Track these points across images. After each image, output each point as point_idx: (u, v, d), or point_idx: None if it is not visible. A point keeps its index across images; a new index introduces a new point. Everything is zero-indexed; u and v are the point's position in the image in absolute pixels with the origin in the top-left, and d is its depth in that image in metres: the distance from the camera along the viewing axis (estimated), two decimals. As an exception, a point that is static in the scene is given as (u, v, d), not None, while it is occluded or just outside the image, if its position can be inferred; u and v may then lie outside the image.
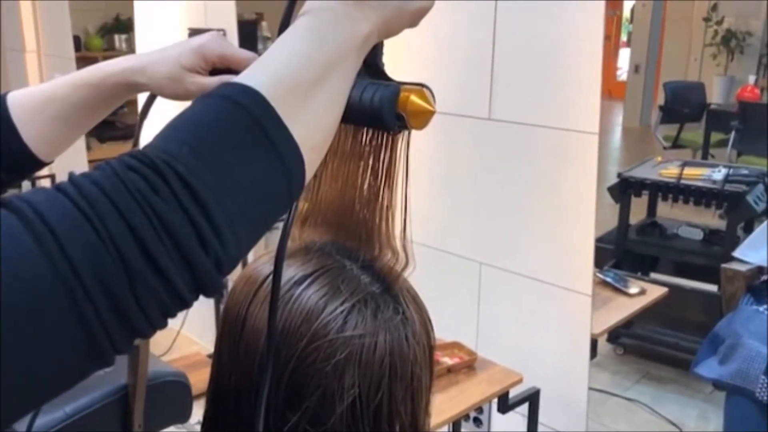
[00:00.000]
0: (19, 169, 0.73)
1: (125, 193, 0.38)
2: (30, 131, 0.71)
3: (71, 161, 3.50)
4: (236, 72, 0.70)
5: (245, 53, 0.71)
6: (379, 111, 0.54)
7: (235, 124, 0.42)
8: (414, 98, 0.54)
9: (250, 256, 0.57)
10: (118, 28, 4.28)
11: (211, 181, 0.39)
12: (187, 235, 0.38)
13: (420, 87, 0.56)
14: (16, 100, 0.72)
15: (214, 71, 0.72)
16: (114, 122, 3.93)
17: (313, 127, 0.46)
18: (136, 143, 0.74)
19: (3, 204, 0.37)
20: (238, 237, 0.41)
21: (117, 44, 4.35)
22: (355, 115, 0.56)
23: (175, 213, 0.38)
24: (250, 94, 0.43)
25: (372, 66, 0.59)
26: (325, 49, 0.48)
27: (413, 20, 0.56)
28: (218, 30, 2.71)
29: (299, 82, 0.46)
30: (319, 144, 0.47)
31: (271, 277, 0.57)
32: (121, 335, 0.38)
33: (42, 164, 0.74)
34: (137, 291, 0.37)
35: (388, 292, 0.57)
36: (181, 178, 0.39)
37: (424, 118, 0.55)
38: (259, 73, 0.45)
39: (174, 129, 0.42)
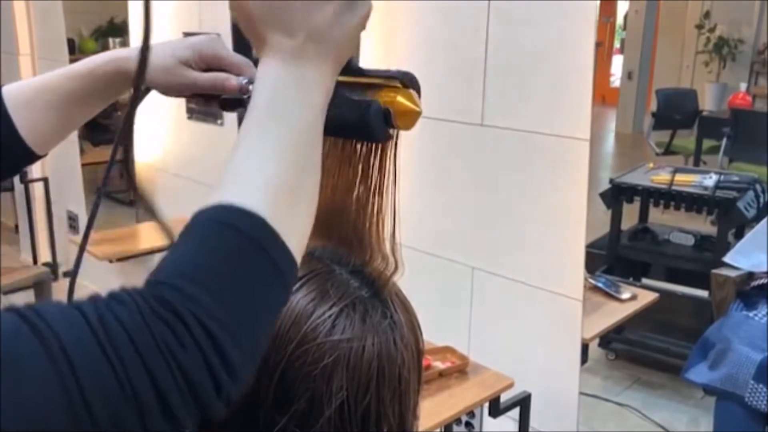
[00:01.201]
0: (13, 162, 0.73)
1: (151, 342, 0.39)
2: (23, 122, 0.71)
3: (64, 165, 3.50)
4: (225, 70, 0.71)
5: (239, 58, 0.72)
6: (368, 128, 0.55)
7: (249, 261, 0.43)
8: (400, 99, 0.55)
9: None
10: (113, 32, 4.28)
11: (233, 329, 0.41)
12: (206, 387, 0.40)
13: (406, 87, 0.56)
14: (9, 92, 0.72)
15: (206, 70, 0.73)
16: (107, 125, 3.92)
17: (304, 227, 0.49)
18: (127, 137, 0.74)
19: (21, 315, 0.39)
20: (250, 367, 0.43)
21: (111, 47, 4.35)
22: (342, 132, 0.57)
23: (198, 367, 0.40)
24: (257, 224, 0.44)
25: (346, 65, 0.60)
26: (296, 132, 0.49)
27: (360, 31, 0.54)
28: (213, 33, 2.72)
29: (288, 187, 0.47)
30: (307, 236, 0.50)
31: None
32: None
33: (36, 157, 0.74)
34: (147, 429, 0.39)
35: (377, 296, 0.58)
36: (207, 332, 0.40)
37: (411, 118, 0.55)
38: (252, 189, 0.46)
39: (191, 265, 0.42)
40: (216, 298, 0.41)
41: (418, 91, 0.57)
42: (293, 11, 0.49)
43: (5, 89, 0.72)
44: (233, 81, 0.71)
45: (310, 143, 0.49)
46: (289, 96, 0.49)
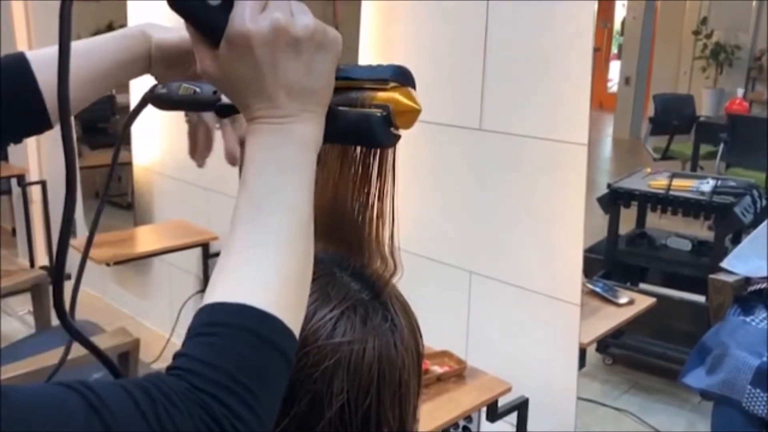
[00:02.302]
0: (25, 123, 0.71)
1: None
2: (46, 85, 0.69)
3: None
4: None
5: (185, 39, 0.71)
6: (373, 137, 0.55)
7: (273, 365, 0.46)
8: (399, 98, 0.54)
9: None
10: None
11: (259, 427, 0.45)
12: None
13: (405, 86, 0.55)
14: (36, 54, 0.70)
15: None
16: (106, 129, 3.92)
17: (304, 307, 0.50)
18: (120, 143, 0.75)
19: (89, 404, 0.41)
20: None
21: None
22: (347, 141, 0.57)
23: None
24: (278, 329, 0.46)
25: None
26: (296, 208, 0.50)
27: (334, 67, 0.54)
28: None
29: (296, 275, 0.49)
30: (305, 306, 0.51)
31: None
32: None
33: (46, 126, 0.72)
34: None
35: (377, 299, 0.58)
36: None
37: (410, 117, 0.55)
38: (266, 285, 0.47)
39: (229, 376, 0.44)
40: (250, 408, 0.44)
41: (413, 87, 0.57)
42: (265, 76, 0.50)
43: (31, 53, 0.71)
44: None
45: (307, 214, 0.51)
46: (281, 167, 0.50)
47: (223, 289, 0.47)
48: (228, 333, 0.46)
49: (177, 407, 0.42)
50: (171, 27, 0.73)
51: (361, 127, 0.55)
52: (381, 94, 0.55)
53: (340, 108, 0.55)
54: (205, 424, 0.42)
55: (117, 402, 0.41)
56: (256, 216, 0.49)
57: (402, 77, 0.56)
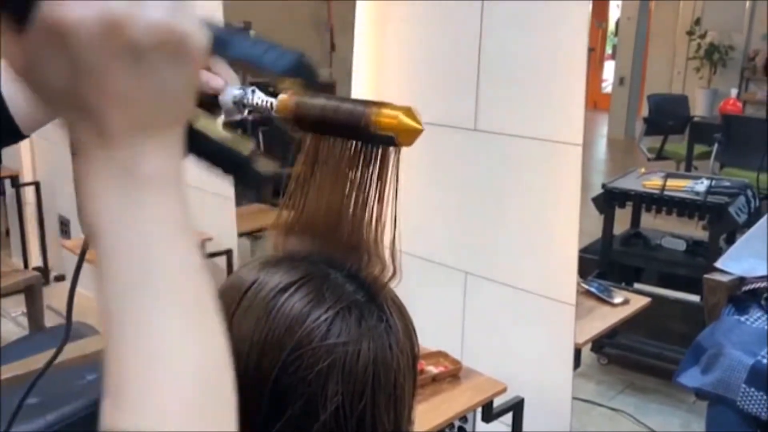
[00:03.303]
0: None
1: None
2: (13, 99, 0.67)
3: (55, 169, 3.48)
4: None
5: (218, 62, 0.67)
6: (238, 175, 0.49)
7: None
8: (404, 118, 0.54)
9: (236, 264, 0.57)
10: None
11: None
12: None
13: (407, 106, 0.54)
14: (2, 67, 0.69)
15: None
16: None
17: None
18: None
19: None
20: None
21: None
22: (333, 130, 0.55)
23: None
24: None
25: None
26: (168, 286, 0.37)
27: (195, 86, 0.40)
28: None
29: (192, 379, 0.37)
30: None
31: (254, 286, 0.57)
32: None
33: (20, 137, 0.70)
34: None
35: (373, 300, 0.58)
36: None
37: (412, 136, 0.55)
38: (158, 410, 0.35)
39: None
40: None
41: (314, 81, 0.50)
42: (86, 85, 0.35)
43: None
44: (218, 81, 0.61)
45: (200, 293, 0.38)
46: (143, 233, 0.36)
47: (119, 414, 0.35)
48: None
49: None
50: None
51: (227, 165, 0.48)
52: (386, 111, 0.53)
53: (202, 133, 0.46)
54: None
55: None
56: (132, 321, 0.36)
57: (302, 73, 0.48)
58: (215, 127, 0.47)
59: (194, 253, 0.38)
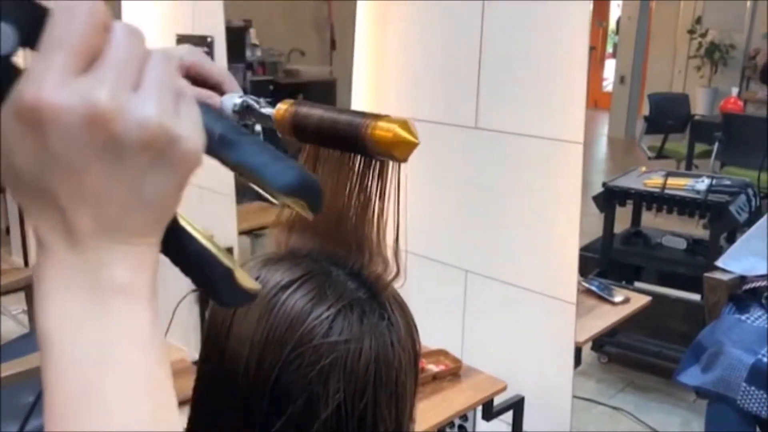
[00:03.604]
0: None
1: None
2: None
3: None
4: (208, 85, 0.61)
5: (220, 69, 0.64)
6: (212, 289, 0.43)
7: None
8: (399, 130, 0.54)
9: (239, 262, 0.57)
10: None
11: None
12: None
13: (403, 120, 0.54)
14: None
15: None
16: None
17: None
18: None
19: None
20: None
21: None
22: (330, 143, 0.55)
23: None
24: None
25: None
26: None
27: (181, 190, 0.35)
28: (206, 36, 2.71)
29: None
30: None
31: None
32: None
33: None
34: None
35: (375, 298, 0.57)
36: None
37: (407, 149, 0.55)
38: None
39: None
40: None
41: (315, 200, 0.43)
42: (58, 178, 0.31)
43: None
44: (216, 99, 0.62)
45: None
46: (96, 350, 0.32)
47: None
48: None
49: None
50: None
51: (202, 275, 0.42)
52: (381, 125, 0.53)
53: (188, 231, 0.40)
54: None
55: None
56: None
57: (304, 194, 0.42)
58: (199, 229, 0.41)
59: (156, 371, 0.34)
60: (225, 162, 0.40)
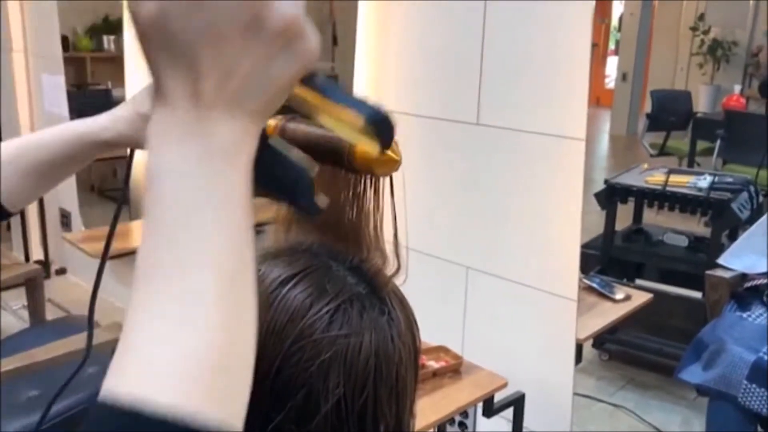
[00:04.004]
0: None
1: None
2: (3, 182, 0.71)
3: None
4: None
5: None
6: (294, 193, 0.50)
7: None
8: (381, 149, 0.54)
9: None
10: (107, 29, 4.27)
11: None
12: None
13: (377, 134, 0.52)
14: None
15: None
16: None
17: (245, 380, 0.37)
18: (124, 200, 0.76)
19: None
20: None
21: (105, 45, 4.33)
22: (318, 157, 0.56)
23: None
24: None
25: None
26: (213, 251, 0.36)
27: (293, 85, 0.40)
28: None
29: (213, 348, 0.35)
30: (249, 383, 0.38)
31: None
32: None
33: (7, 215, 0.75)
34: None
35: (375, 292, 0.57)
36: None
37: (389, 167, 0.55)
38: (161, 374, 0.34)
39: None
40: None
41: (389, 134, 0.47)
42: (201, 42, 0.35)
43: None
44: None
45: (239, 267, 0.37)
46: (199, 189, 0.36)
47: (121, 378, 0.34)
48: None
49: None
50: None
51: (285, 180, 0.48)
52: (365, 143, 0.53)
53: (276, 149, 0.47)
54: None
55: None
56: (163, 275, 0.35)
57: (374, 123, 0.46)
58: (285, 144, 0.48)
59: (244, 229, 0.38)
60: (315, 90, 0.45)
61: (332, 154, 0.55)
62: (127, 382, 0.33)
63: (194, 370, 0.34)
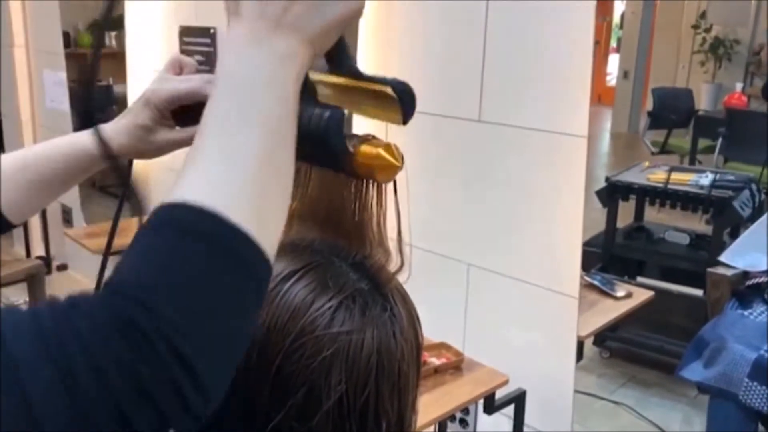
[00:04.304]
0: None
1: (111, 359, 0.36)
2: (4, 196, 0.71)
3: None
4: (199, 106, 0.67)
5: (194, 83, 0.70)
6: (324, 134, 0.53)
7: (215, 267, 0.40)
8: (383, 153, 0.54)
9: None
10: (109, 25, 4.26)
11: (200, 343, 0.38)
12: (172, 404, 0.37)
13: (397, 98, 0.55)
14: None
15: (179, 110, 0.71)
16: (103, 119, 3.90)
17: (277, 219, 0.46)
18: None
19: None
20: (223, 383, 0.41)
21: (107, 41, 4.33)
22: (317, 162, 0.57)
23: (162, 384, 0.37)
24: (219, 224, 0.40)
25: (337, 60, 0.58)
26: (261, 116, 0.45)
27: (341, 26, 0.50)
28: (210, 28, 2.70)
29: (252, 180, 0.44)
30: (280, 235, 0.47)
31: None
32: None
33: (9, 227, 0.74)
34: None
35: (377, 289, 0.57)
36: (172, 349, 0.37)
37: (390, 173, 0.55)
38: (209, 186, 0.42)
39: (154, 276, 0.39)
40: (183, 314, 0.38)
41: (413, 104, 0.56)
42: None
43: None
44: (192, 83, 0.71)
45: (282, 134, 0.46)
46: (257, 77, 0.46)
47: (176, 190, 0.42)
48: (152, 230, 0.41)
49: (83, 314, 0.37)
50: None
51: (317, 120, 0.53)
52: (364, 150, 0.54)
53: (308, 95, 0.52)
54: (114, 325, 0.36)
55: (8, 322, 0.37)
56: (225, 123, 0.45)
57: (401, 92, 0.55)
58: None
59: (286, 118, 0.47)
60: (349, 72, 0.56)
61: (332, 162, 0.56)
62: (182, 190, 0.42)
63: (242, 192, 0.42)
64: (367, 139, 0.55)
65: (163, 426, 0.37)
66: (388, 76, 0.56)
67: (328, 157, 0.55)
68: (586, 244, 2.69)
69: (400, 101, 0.54)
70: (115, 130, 0.73)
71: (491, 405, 1.86)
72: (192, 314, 0.38)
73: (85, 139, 0.73)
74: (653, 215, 3.61)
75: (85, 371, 0.35)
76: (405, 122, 0.56)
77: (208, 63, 2.28)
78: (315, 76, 0.58)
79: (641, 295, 2.36)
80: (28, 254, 3.62)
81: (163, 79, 0.72)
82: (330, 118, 0.53)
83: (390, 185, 0.58)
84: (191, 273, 0.39)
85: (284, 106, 0.46)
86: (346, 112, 0.54)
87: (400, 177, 0.58)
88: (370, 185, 0.58)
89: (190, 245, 0.40)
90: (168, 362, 0.37)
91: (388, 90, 0.54)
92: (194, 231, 0.40)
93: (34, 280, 2.90)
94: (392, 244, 0.59)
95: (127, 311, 0.37)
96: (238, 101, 0.45)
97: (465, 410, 2.17)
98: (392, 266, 0.59)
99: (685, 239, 3.23)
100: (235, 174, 0.43)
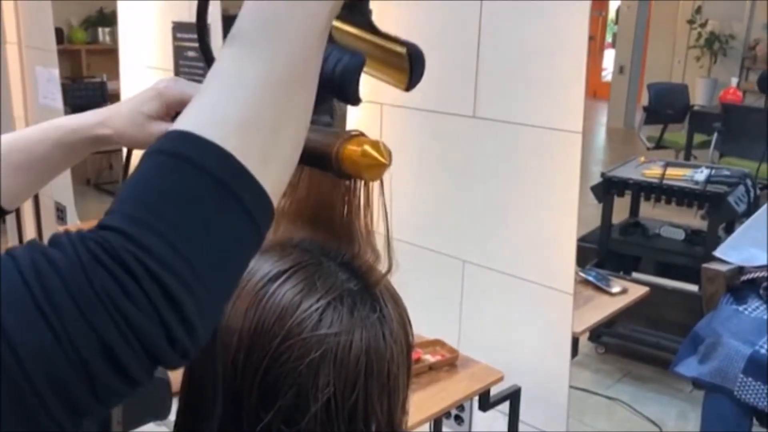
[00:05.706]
0: None
1: (91, 294, 0.35)
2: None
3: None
4: None
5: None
6: (338, 86, 0.52)
7: (206, 197, 0.38)
8: (369, 149, 0.53)
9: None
10: (102, 21, 4.24)
11: (184, 274, 0.37)
12: (157, 338, 0.36)
13: (374, 141, 0.54)
14: None
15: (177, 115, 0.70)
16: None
17: (284, 166, 0.43)
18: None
19: None
20: (211, 321, 0.39)
21: (101, 37, 4.31)
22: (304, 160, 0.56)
23: (146, 317, 0.36)
24: (213, 154, 0.39)
25: (356, 9, 0.57)
26: (287, 47, 0.43)
27: None
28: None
29: (264, 118, 0.42)
30: (288, 178, 0.45)
31: (245, 274, 0.56)
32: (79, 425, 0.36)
33: (4, 212, 0.74)
34: (98, 392, 0.35)
35: (366, 289, 0.56)
36: (154, 277, 0.36)
37: (376, 171, 0.54)
38: (217, 116, 0.41)
39: (137, 204, 0.38)
40: (167, 244, 0.36)
41: (422, 67, 0.56)
42: None
43: None
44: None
45: (305, 74, 0.44)
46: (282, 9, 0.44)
47: (188, 112, 0.41)
48: (143, 163, 0.39)
49: (60, 247, 0.36)
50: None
51: (334, 63, 0.51)
52: (349, 148, 0.53)
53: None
54: (88, 249, 0.35)
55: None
56: (243, 46, 0.43)
57: (414, 53, 0.56)
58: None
59: (317, 35, 0.45)
60: (365, 24, 0.55)
61: (319, 160, 0.54)
62: (189, 121, 0.40)
63: (244, 122, 0.40)
64: (355, 136, 0.54)
65: (149, 360, 0.36)
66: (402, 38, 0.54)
67: (336, 98, 0.54)
68: (582, 240, 2.69)
69: (411, 63, 0.54)
70: (109, 115, 0.72)
71: (486, 402, 1.86)
72: (177, 247, 0.37)
73: (78, 121, 0.72)
74: (648, 211, 3.62)
75: (67, 307, 0.34)
76: (410, 87, 0.54)
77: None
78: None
79: (636, 291, 2.36)
80: (23, 251, 3.60)
81: (177, 80, 0.71)
82: (350, 62, 0.51)
83: (377, 184, 0.57)
84: (178, 203, 0.37)
85: (317, 39, 0.44)
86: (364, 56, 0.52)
87: (395, 174, 0.57)
88: (359, 184, 0.57)
89: (180, 173, 0.38)
90: (149, 293, 0.35)
91: (401, 49, 0.54)
92: (185, 158, 0.38)
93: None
94: (381, 243, 0.58)
95: (106, 239, 0.36)
96: (272, 21, 0.44)
97: (460, 407, 2.17)
98: (382, 266, 0.58)
99: (680, 235, 3.23)
100: (249, 102, 0.41)
